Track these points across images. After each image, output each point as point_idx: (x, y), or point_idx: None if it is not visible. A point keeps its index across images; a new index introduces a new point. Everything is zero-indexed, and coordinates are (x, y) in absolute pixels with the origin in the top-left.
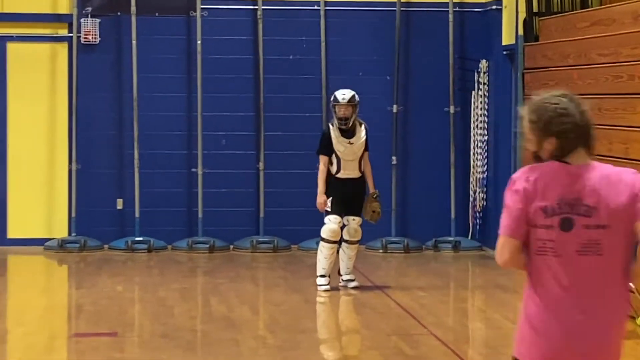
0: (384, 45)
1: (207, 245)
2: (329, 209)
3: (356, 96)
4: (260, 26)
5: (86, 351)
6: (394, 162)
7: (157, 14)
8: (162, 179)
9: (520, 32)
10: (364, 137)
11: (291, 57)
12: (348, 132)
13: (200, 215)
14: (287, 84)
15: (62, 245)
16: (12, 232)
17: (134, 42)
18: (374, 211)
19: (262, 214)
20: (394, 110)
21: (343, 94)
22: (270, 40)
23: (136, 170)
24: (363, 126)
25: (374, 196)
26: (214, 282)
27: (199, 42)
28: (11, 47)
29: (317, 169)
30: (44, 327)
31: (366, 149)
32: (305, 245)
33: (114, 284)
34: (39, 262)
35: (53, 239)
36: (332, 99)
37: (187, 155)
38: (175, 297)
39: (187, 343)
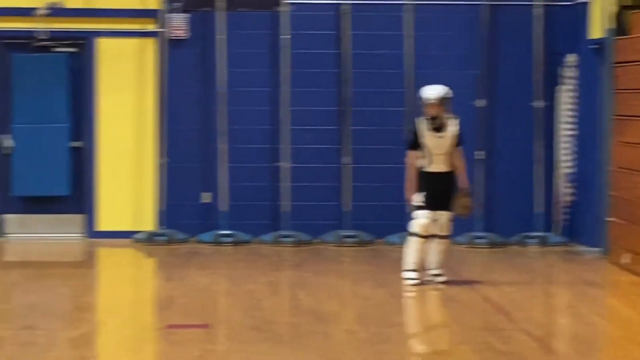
0: (470, 39)
1: (293, 239)
2: (419, 204)
3: (446, 93)
4: (346, 21)
5: (179, 342)
6: (479, 157)
7: (244, 9)
8: (248, 173)
9: (610, 25)
10: (455, 132)
11: (377, 51)
12: (438, 126)
13: (285, 209)
14: (373, 78)
15: (151, 238)
16: (102, 225)
17: (222, 37)
18: (464, 206)
19: (347, 208)
20: (480, 104)
21: (431, 93)
22: (357, 35)
23: (223, 164)
24: (455, 120)
25: (465, 191)
26: (300, 275)
27: (286, 37)
28: (101, 43)
29: (402, 163)
30: (137, 319)
31: (459, 143)
32: (390, 239)
33: (202, 277)
34: (127, 255)
35: (141, 231)
36: (421, 96)
37: (272, 149)
38: (263, 290)
39: (277, 336)
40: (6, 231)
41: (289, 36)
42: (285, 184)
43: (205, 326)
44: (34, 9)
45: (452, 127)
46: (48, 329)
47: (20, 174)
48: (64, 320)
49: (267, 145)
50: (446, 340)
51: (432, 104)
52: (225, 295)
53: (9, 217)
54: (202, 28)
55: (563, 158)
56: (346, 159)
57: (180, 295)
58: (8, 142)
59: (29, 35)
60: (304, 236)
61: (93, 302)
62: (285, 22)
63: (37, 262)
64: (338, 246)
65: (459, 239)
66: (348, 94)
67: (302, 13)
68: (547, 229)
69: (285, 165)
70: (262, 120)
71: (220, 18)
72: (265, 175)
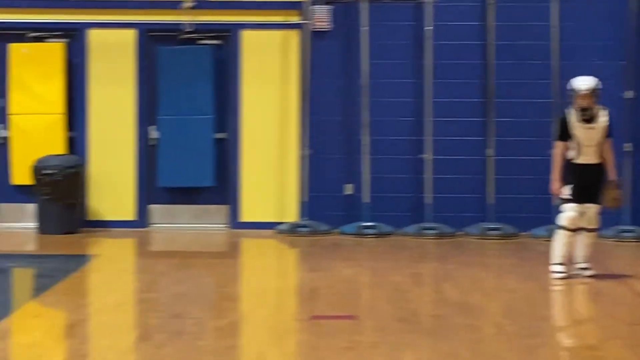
0: (617, 29)
1: (435, 231)
2: (567, 197)
3: (597, 84)
4: (491, 11)
5: (327, 333)
6: (627, 149)
7: (388, 1)
8: (390, 164)
9: None
10: (606, 123)
11: (522, 42)
12: (589, 118)
13: (428, 201)
14: (517, 69)
15: (293, 229)
16: (245, 216)
17: (365, 29)
18: (614, 199)
19: (490, 201)
20: (628, 96)
21: (583, 84)
22: (501, 26)
23: (366, 156)
24: (605, 111)
25: (614, 183)
26: (445, 267)
27: (429, 28)
28: (245, 35)
29: (547, 155)
30: (282, 309)
31: (609, 135)
32: (536, 232)
33: (346, 268)
34: (270, 246)
35: (284, 222)
36: (572, 87)
37: (415, 141)
38: (407, 282)
39: (424, 328)
40: (152, 221)
41: (432, 27)
42: (428, 176)
43: (351, 317)
44: (180, 2)
45: (603, 118)
46: (196, 318)
47: (166, 165)
48: (211, 309)
49: (410, 137)
50: (596, 335)
51: (583, 95)
52: (369, 286)
53: (155, 208)
54: (345, 20)
55: None
56: (490, 151)
57: (325, 286)
58: (154, 133)
59: (175, 28)
60: (446, 228)
61: (238, 292)
62: (428, 13)
63: (183, 252)
64: (481, 239)
65: (606, 232)
66: (492, 86)
67: (446, 4)
68: None
69: (428, 157)
70: (405, 112)
71: (364, 9)
72: (408, 167)
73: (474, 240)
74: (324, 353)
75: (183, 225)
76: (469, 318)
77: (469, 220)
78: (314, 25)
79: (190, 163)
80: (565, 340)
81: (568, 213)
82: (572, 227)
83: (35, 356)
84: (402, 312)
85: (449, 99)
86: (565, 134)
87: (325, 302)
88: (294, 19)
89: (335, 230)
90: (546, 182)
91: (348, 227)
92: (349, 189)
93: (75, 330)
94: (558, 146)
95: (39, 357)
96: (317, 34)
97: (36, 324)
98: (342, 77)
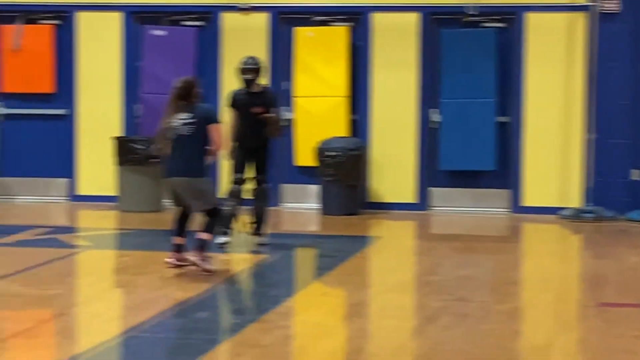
0: None
1: None
2: None
3: None
4: None
5: (615, 321)
6: None
7: None
8: None
9: None
10: None
11: None
12: None
13: None
14: None
15: (577, 214)
16: (526, 200)
17: None
18: None
19: None
20: None
21: None
22: None
23: None
24: None
25: None
26: None
27: None
28: (530, 17)
29: None
30: (567, 295)
31: None
32: None
33: (634, 256)
34: (553, 231)
35: (567, 208)
36: None
37: None
38: None
39: None
40: (431, 204)
41: None
42: None
43: None
44: None
45: None
46: (480, 301)
47: (447, 148)
48: (494, 293)
49: None
50: None
51: None
52: None
53: (435, 190)
54: (635, 1)
55: None
56: None
57: (612, 274)
58: (435, 116)
59: (458, 11)
60: None
61: (521, 276)
62: None
63: (464, 235)
64: None
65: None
66: None
67: None
68: None
69: None
70: None
71: None
72: None
73: None
74: (614, 341)
75: (462, 208)
76: None
77: None
78: (602, 7)
79: (472, 146)
80: None
81: None
82: None
83: (320, 334)
84: None
85: None
86: None
87: (613, 290)
88: (581, 0)
89: (622, 217)
90: None
91: (635, 214)
92: (635, 175)
93: (359, 310)
94: None
95: (324, 335)
96: (605, 16)
97: (321, 303)
98: (630, 60)
